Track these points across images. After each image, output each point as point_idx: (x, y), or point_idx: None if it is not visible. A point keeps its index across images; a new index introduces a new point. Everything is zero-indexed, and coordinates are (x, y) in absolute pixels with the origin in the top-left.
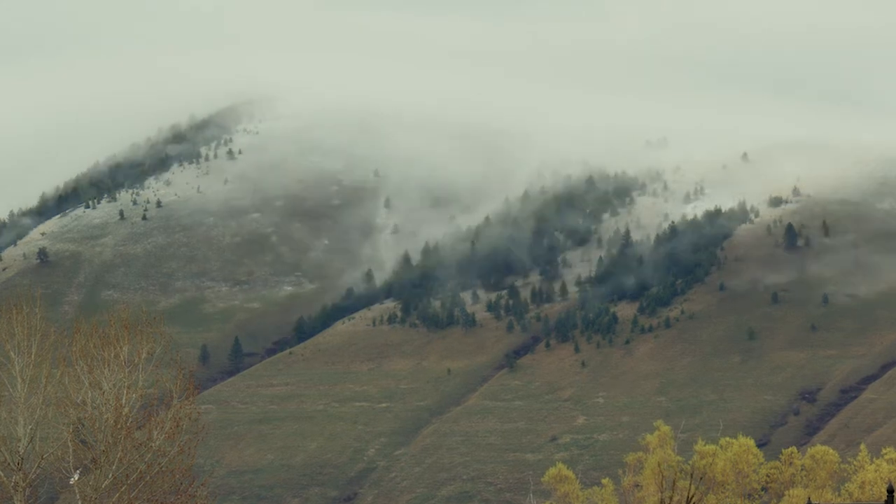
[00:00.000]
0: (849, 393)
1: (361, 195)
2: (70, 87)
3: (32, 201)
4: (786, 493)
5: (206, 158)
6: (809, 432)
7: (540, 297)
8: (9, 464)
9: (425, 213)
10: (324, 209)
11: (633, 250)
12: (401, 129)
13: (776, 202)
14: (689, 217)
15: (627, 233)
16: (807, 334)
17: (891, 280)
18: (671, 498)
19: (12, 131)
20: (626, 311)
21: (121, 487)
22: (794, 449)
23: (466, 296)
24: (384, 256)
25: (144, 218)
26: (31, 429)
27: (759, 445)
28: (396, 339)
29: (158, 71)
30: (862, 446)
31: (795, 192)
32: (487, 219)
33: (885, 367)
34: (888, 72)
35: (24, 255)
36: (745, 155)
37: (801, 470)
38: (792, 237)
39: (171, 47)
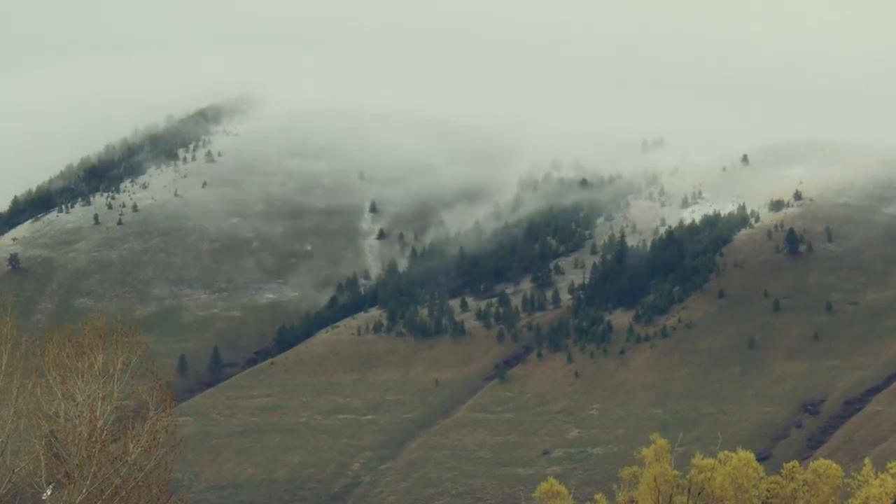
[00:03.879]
0: (853, 405)
1: (346, 199)
2: (43, 87)
3: (3, 205)
4: None
5: (184, 161)
6: (812, 446)
7: (531, 305)
8: None
9: (412, 217)
10: (306, 213)
11: (628, 256)
12: (387, 131)
13: (777, 206)
14: (687, 222)
15: (623, 238)
16: (809, 343)
17: None
18: None
19: None
20: (621, 319)
21: (95, 503)
22: (796, 463)
23: (455, 304)
24: (369, 262)
25: (120, 223)
26: (1, 442)
27: (760, 459)
28: (382, 349)
29: (134, 70)
30: (866, 460)
31: (797, 195)
32: (477, 224)
33: (890, 378)
34: (891, 73)
35: None
36: (745, 157)
37: (803, 485)
38: (794, 242)
39: (149, 46)
